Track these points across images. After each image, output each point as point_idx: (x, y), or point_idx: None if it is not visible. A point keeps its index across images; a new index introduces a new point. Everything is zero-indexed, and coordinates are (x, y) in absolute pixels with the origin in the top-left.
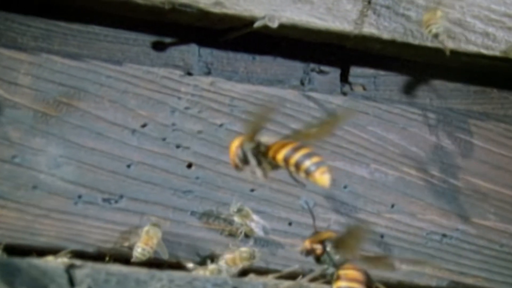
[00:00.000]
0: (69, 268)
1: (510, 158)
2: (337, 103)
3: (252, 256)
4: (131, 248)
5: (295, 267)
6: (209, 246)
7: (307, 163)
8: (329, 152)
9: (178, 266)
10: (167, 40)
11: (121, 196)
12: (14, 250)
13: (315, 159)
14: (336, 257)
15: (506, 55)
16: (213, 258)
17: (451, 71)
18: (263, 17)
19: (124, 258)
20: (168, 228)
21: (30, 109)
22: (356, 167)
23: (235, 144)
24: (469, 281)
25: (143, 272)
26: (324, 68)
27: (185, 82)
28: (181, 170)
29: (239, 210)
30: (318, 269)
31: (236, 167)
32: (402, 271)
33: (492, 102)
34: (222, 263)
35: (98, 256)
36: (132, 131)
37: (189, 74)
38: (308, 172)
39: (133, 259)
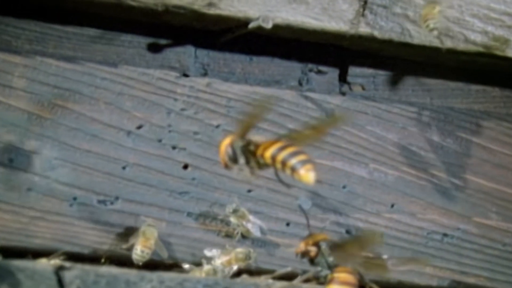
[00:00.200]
0: (58, 270)
1: None
2: (335, 103)
3: (247, 257)
4: (129, 250)
5: (287, 269)
6: (206, 247)
7: (293, 161)
8: (328, 152)
9: (175, 267)
10: (163, 41)
11: (117, 198)
12: (10, 252)
13: (301, 157)
14: (330, 259)
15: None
16: (209, 259)
17: (451, 70)
18: (257, 18)
19: (120, 260)
20: (164, 229)
21: (25, 112)
22: (355, 167)
23: (225, 142)
24: (471, 280)
25: (133, 273)
26: (323, 68)
27: (181, 84)
28: (177, 171)
29: (235, 211)
30: (311, 271)
31: (226, 165)
32: (402, 270)
33: (494, 101)
34: (217, 263)
35: (94, 258)
36: (127, 133)
37: (185, 75)
38: (293, 169)
39: (134, 262)
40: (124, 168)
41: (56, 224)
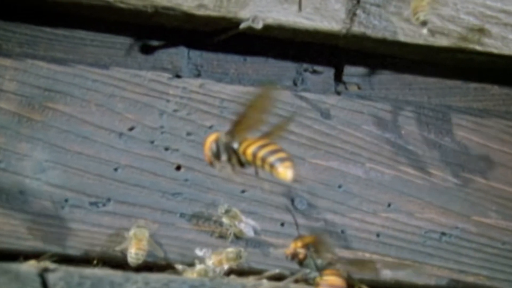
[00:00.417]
0: (43, 272)
1: None
2: (331, 103)
3: (238, 256)
4: (123, 253)
5: (275, 270)
6: (199, 248)
7: (272, 158)
8: (324, 152)
9: (168, 268)
10: (155, 43)
11: (109, 200)
12: (1, 254)
13: (280, 155)
14: (319, 261)
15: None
16: (201, 259)
17: (448, 68)
18: (248, 19)
19: (112, 262)
20: (157, 231)
21: (15, 114)
22: (351, 166)
23: (210, 139)
24: (469, 279)
25: (118, 274)
26: (318, 68)
27: (173, 85)
28: (170, 173)
29: (227, 211)
30: (300, 272)
31: (210, 162)
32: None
33: (493, 99)
34: (209, 263)
35: (86, 260)
36: (119, 135)
37: (178, 76)
38: (272, 167)
39: (131, 264)
40: (116, 169)
41: (48, 226)
